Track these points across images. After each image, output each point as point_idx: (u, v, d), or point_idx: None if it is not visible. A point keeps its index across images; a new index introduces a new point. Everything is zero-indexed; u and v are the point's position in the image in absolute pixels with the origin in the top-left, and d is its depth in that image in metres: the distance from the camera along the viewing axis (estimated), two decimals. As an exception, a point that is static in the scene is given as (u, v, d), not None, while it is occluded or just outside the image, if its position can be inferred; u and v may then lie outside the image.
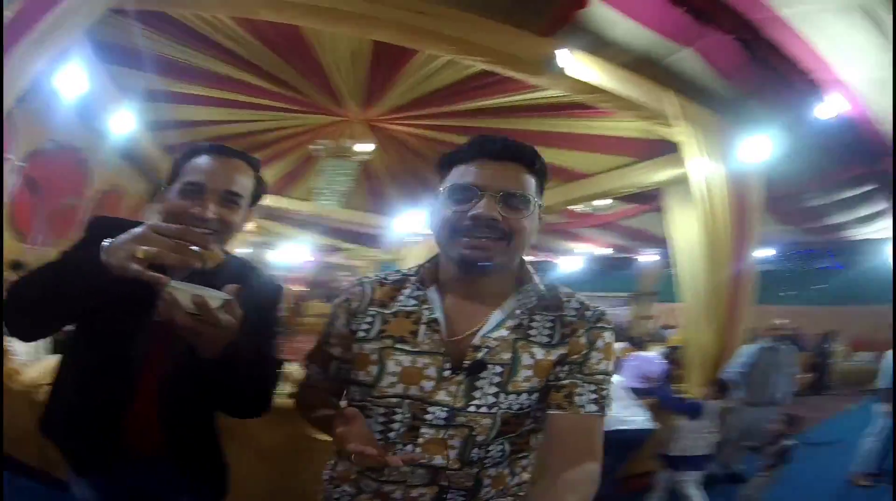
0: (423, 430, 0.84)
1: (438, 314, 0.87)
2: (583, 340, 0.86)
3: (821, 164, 4.05)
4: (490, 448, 0.85)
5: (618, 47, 3.13)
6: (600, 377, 0.86)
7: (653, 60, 3.21)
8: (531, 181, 0.87)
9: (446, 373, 0.84)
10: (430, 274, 0.92)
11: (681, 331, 5.81)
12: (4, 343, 2.68)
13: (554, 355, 0.85)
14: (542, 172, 0.90)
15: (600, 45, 3.11)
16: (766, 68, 3.02)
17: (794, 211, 5.19)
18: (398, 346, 0.87)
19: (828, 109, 3.11)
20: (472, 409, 0.83)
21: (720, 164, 3.59)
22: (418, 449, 0.83)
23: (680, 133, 3.52)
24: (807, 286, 11.29)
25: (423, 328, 0.87)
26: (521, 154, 0.87)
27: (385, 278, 0.95)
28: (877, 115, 3.19)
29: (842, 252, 8.22)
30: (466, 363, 0.83)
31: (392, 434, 0.85)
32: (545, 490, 0.79)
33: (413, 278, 0.93)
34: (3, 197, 3.89)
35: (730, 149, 3.58)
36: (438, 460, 0.83)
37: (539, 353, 0.85)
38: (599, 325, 0.88)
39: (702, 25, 2.81)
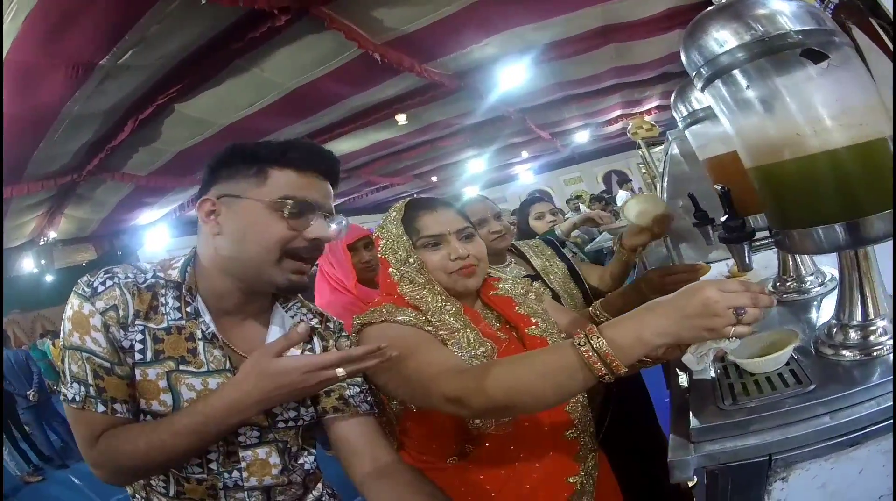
0: (241, 453, 0.81)
1: (214, 328, 0.80)
2: (334, 349, 0.90)
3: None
4: (300, 459, 0.87)
5: None
6: (359, 379, 0.89)
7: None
8: None
9: None
10: (193, 281, 0.82)
11: None
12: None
13: None
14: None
15: None
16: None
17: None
18: (182, 368, 0.78)
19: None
20: (280, 425, 0.83)
21: None
22: (245, 474, 0.81)
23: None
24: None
25: (202, 346, 0.79)
26: (337, 171, 0.85)
27: (136, 282, 0.79)
28: None
29: None
30: None
31: (212, 465, 0.80)
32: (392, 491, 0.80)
33: (171, 284, 0.81)
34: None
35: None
36: (268, 480, 0.82)
37: None
38: (344, 333, 0.94)
39: None
